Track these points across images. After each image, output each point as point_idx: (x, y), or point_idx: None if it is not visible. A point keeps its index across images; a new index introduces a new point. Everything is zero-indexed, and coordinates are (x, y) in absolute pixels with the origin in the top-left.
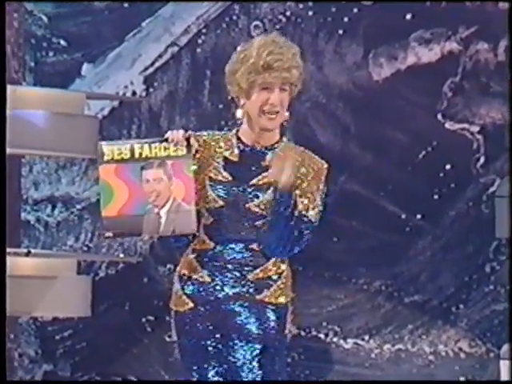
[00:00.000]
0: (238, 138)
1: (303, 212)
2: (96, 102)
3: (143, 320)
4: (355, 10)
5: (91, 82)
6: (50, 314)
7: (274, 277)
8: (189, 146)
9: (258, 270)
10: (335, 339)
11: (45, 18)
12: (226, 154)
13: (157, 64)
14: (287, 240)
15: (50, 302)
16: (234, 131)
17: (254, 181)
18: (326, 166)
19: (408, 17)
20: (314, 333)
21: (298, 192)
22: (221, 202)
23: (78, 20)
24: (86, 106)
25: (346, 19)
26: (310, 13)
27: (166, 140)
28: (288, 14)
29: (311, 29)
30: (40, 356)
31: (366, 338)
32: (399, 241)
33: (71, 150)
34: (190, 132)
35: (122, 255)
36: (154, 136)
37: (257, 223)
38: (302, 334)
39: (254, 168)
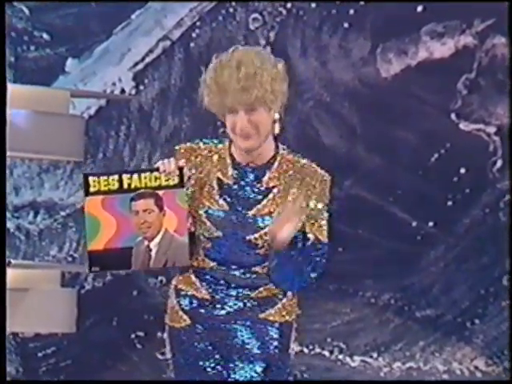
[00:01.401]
0: (231, 155)
1: (315, 241)
2: (81, 101)
3: (132, 336)
4: (362, 2)
5: (76, 78)
6: (32, 329)
7: (280, 295)
8: (181, 175)
9: (261, 289)
10: (341, 356)
11: (26, 10)
12: (219, 174)
13: (147, 59)
14: (302, 274)
15: (31, 317)
16: (227, 144)
17: (254, 211)
18: (329, 178)
19: (419, 8)
20: (317, 350)
21: (304, 218)
22: (219, 233)
23: (61, 12)
24: (71, 104)
25: (351, 11)
26: (313, 5)
27: (157, 169)
28: (289, 5)
29: (314, 22)
30: (21, 375)
31: (374, 355)
32: (409, 250)
33: (55, 152)
34: (182, 161)
35: None
36: (144, 137)
37: (259, 251)
38: (305, 351)
39: (251, 193)
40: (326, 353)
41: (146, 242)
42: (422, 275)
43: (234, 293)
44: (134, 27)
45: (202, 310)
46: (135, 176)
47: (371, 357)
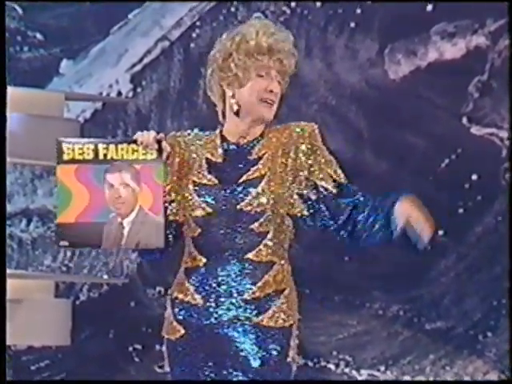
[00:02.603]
0: (222, 137)
1: (335, 190)
2: (77, 104)
3: (130, 349)
4: (369, 1)
5: (71, 80)
6: (25, 342)
7: (274, 296)
8: (160, 149)
9: (255, 288)
10: (347, 370)
11: (19, 9)
12: (208, 155)
13: (145, 60)
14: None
15: (24, 329)
16: (217, 131)
17: (244, 177)
18: (315, 126)
19: (429, 7)
20: (322, 363)
21: (314, 177)
22: (209, 209)
23: (56, 11)
24: (66, 107)
25: (358, 10)
26: (318, 3)
27: (135, 141)
28: (293, 4)
29: (319, 21)
30: None
31: (382, 368)
32: (419, 260)
33: (48, 157)
34: (161, 134)
35: (105, 276)
36: None
37: (252, 226)
38: (310, 364)
39: (241, 165)
40: (332, 366)
41: (119, 219)
42: (432, 286)
43: (227, 295)
44: (131, 27)
45: (196, 317)
46: (112, 146)
47: (379, 370)
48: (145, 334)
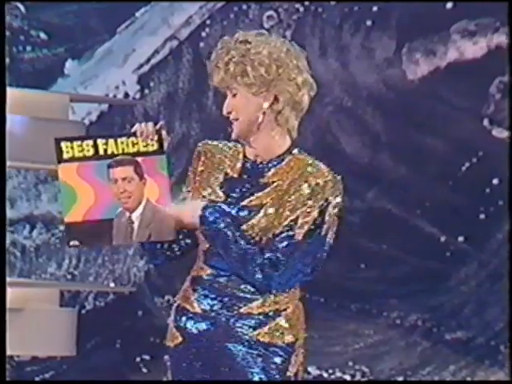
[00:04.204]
0: (244, 151)
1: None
2: (82, 106)
3: (137, 359)
4: None
5: (76, 81)
6: (29, 352)
7: (272, 314)
8: (160, 139)
9: (253, 304)
10: (363, 381)
11: (21, 7)
12: (228, 169)
13: (153, 61)
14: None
15: (28, 339)
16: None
17: (245, 202)
18: (332, 177)
19: (449, 5)
20: (338, 374)
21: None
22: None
23: (60, 9)
24: (71, 109)
25: (375, 8)
26: (333, 1)
27: (134, 134)
28: (307, 2)
29: (334, 19)
30: None
31: (400, 379)
32: (438, 267)
33: (53, 161)
34: (161, 123)
35: (112, 284)
36: None
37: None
38: (325, 375)
39: (249, 186)
40: (348, 377)
41: (127, 214)
42: (452, 294)
43: (224, 308)
44: (138, 26)
45: (193, 326)
46: (111, 141)
47: (397, 382)
48: (153, 344)
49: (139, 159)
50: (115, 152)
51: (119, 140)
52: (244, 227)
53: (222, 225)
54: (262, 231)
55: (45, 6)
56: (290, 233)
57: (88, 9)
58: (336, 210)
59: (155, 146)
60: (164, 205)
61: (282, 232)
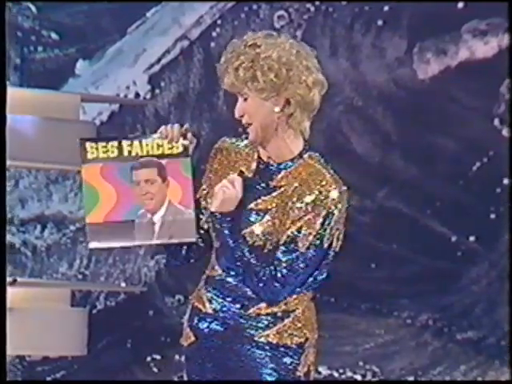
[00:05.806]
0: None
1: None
2: (93, 106)
3: (148, 359)
4: None
5: (87, 81)
6: (40, 352)
7: (281, 315)
8: (185, 142)
9: (261, 305)
10: (374, 381)
11: (33, 8)
12: (243, 168)
13: (164, 61)
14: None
15: (39, 339)
16: None
17: (252, 205)
18: (335, 189)
19: (460, 4)
20: (348, 373)
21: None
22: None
23: (71, 9)
24: (82, 109)
25: (386, 7)
26: (344, 1)
27: (160, 136)
28: (317, 2)
29: (345, 19)
30: None
31: (411, 379)
32: (449, 267)
33: (64, 161)
34: (186, 125)
35: (123, 284)
36: None
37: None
38: (335, 375)
39: (259, 188)
40: (358, 377)
41: (148, 215)
42: (463, 294)
43: (235, 309)
44: (149, 26)
45: (205, 326)
46: (136, 142)
47: (407, 382)
48: (163, 344)
49: (163, 161)
50: (139, 153)
51: (144, 142)
52: (247, 230)
53: (226, 231)
54: (265, 238)
55: (56, 7)
56: (293, 246)
57: (99, 9)
58: (340, 222)
59: (180, 149)
60: (187, 207)
61: (285, 242)
